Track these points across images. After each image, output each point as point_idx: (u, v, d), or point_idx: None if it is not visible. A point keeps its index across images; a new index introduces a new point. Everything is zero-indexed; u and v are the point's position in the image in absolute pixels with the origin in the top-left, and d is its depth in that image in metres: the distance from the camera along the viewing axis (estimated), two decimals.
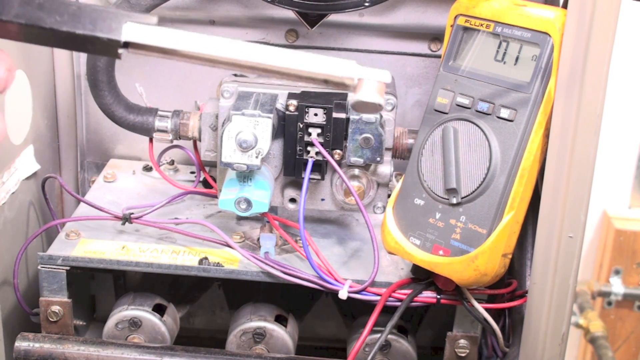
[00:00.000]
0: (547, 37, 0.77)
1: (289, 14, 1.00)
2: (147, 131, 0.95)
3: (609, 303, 1.83)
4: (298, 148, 0.88)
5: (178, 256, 0.90)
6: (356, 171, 0.91)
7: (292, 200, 0.93)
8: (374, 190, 0.92)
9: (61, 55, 1.07)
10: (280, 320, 0.93)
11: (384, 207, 0.90)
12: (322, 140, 0.88)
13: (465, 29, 0.84)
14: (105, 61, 0.93)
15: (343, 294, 0.85)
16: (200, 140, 0.95)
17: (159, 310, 0.93)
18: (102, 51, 0.59)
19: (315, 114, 0.87)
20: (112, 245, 0.92)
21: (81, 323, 0.96)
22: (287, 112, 0.87)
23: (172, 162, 1.11)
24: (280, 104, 0.88)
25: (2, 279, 0.93)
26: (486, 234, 0.79)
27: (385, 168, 0.91)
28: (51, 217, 1.02)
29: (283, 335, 0.91)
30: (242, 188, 0.86)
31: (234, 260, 0.90)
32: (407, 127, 0.94)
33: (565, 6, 0.77)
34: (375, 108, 0.60)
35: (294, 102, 0.87)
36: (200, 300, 1.06)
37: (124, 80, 0.99)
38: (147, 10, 0.94)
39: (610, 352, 1.70)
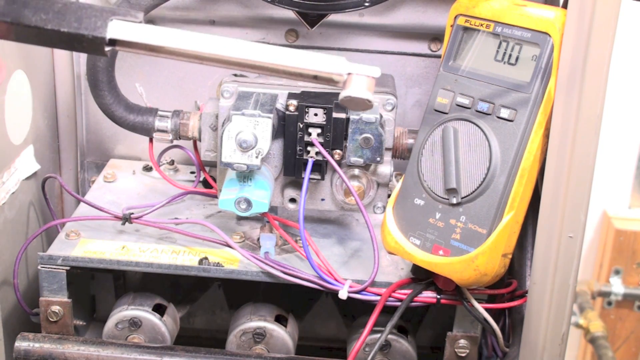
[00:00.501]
0: (547, 37, 0.77)
1: (289, 14, 1.00)
2: (147, 131, 0.95)
3: (609, 303, 1.83)
4: (298, 148, 0.88)
5: (178, 256, 0.90)
6: (356, 171, 0.91)
7: (292, 200, 0.93)
8: (374, 190, 0.92)
9: (61, 55, 1.07)
10: (280, 320, 0.93)
11: (384, 207, 0.90)
12: (322, 140, 0.88)
13: (465, 29, 0.84)
14: (105, 61, 0.93)
15: (343, 294, 0.85)
16: (200, 140, 0.95)
17: (159, 310, 0.93)
18: (89, 49, 0.59)
19: (315, 114, 0.87)
20: (112, 245, 0.92)
21: (81, 323, 0.96)
22: (287, 112, 0.87)
23: (172, 162, 1.11)
24: (280, 104, 0.88)
25: (2, 279, 0.93)
26: (486, 234, 0.79)
27: (385, 168, 0.91)
28: (51, 217, 1.02)
29: (283, 335, 0.91)
30: (242, 188, 0.86)
31: (234, 260, 0.90)
32: (407, 127, 0.94)
33: (565, 6, 0.77)
34: (364, 104, 0.59)
35: (294, 102, 0.87)
36: (200, 300, 1.06)
37: (124, 80, 0.99)
38: (147, 10, 0.94)
39: (610, 352, 1.70)
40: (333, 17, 1.01)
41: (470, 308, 0.85)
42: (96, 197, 1.01)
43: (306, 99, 0.88)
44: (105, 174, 1.07)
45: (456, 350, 0.89)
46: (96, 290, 1.04)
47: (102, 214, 0.94)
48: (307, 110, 0.87)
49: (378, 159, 0.89)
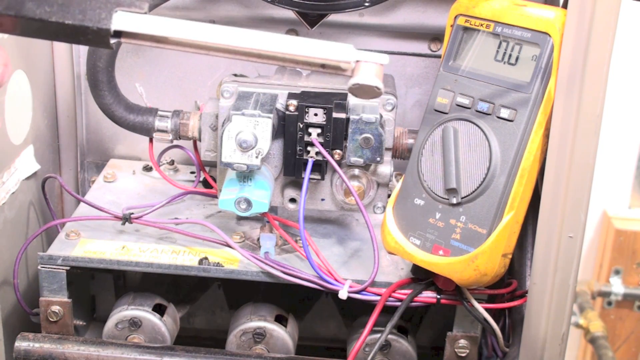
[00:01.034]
0: (547, 37, 0.77)
1: (289, 14, 1.00)
2: (147, 131, 0.95)
3: (609, 303, 1.83)
4: (298, 148, 0.88)
5: (178, 256, 0.90)
6: (356, 171, 0.91)
7: (292, 200, 0.93)
8: (374, 190, 0.92)
9: (61, 55, 1.07)
10: (280, 320, 0.93)
11: (384, 207, 0.90)
12: (322, 140, 0.88)
13: (465, 29, 0.84)
14: (105, 61, 0.93)
15: (343, 294, 0.85)
16: (200, 140, 0.95)
17: (159, 310, 0.93)
18: (94, 42, 0.58)
19: (315, 114, 0.87)
20: (112, 245, 0.92)
21: (81, 323, 0.96)
22: (287, 112, 0.87)
23: (172, 162, 1.11)
24: (280, 104, 0.88)
25: (2, 279, 0.93)
26: (486, 234, 0.79)
27: (385, 168, 0.91)
28: (51, 217, 1.02)
29: (283, 335, 0.91)
30: (242, 188, 0.86)
31: (234, 260, 0.90)
32: (407, 127, 0.94)
33: (565, 6, 0.77)
34: (373, 91, 0.58)
35: (294, 102, 0.87)
36: (200, 300, 1.06)
37: (124, 80, 0.99)
38: (147, 10, 0.94)
39: (610, 352, 1.70)
40: (333, 17, 1.01)
41: (470, 308, 0.85)
42: (96, 197, 1.01)
43: (306, 99, 0.88)
44: (105, 174, 1.07)
45: (456, 350, 0.89)
46: (96, 290, 1.04)
47: (102, 214, 0.94)
48: (307, 110, 0.87)
49: (378, 159, 0.89)
